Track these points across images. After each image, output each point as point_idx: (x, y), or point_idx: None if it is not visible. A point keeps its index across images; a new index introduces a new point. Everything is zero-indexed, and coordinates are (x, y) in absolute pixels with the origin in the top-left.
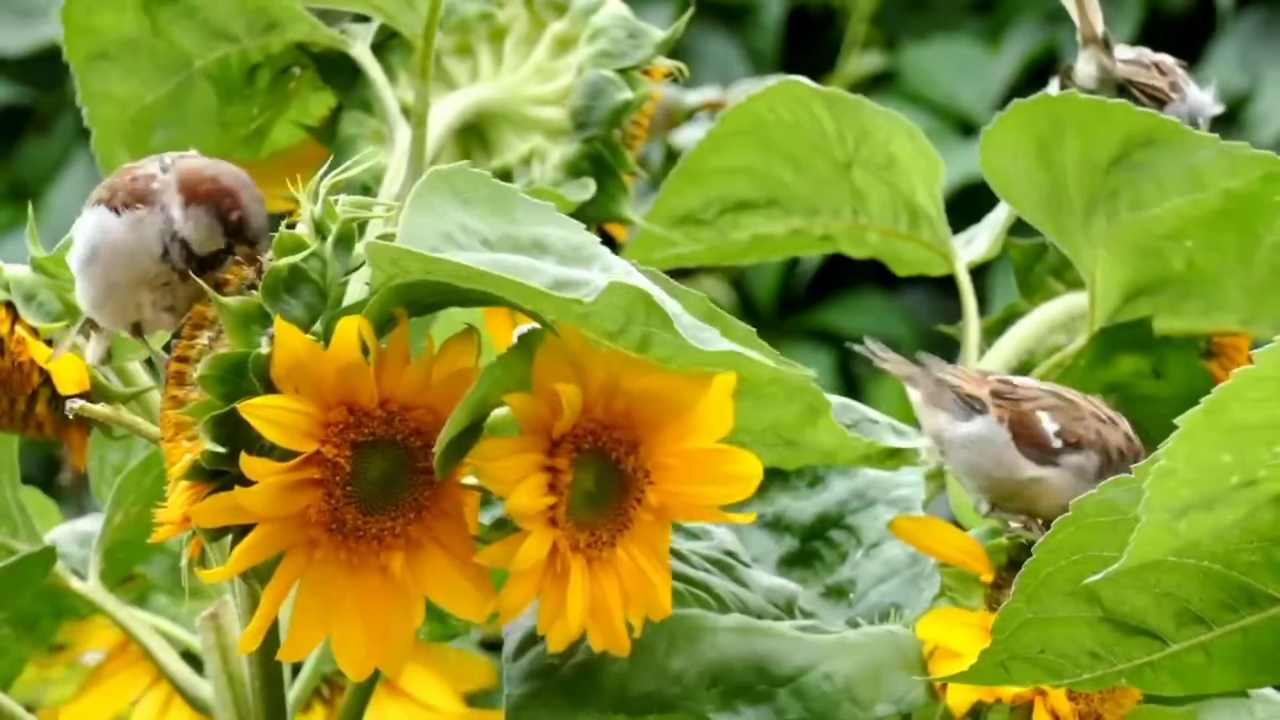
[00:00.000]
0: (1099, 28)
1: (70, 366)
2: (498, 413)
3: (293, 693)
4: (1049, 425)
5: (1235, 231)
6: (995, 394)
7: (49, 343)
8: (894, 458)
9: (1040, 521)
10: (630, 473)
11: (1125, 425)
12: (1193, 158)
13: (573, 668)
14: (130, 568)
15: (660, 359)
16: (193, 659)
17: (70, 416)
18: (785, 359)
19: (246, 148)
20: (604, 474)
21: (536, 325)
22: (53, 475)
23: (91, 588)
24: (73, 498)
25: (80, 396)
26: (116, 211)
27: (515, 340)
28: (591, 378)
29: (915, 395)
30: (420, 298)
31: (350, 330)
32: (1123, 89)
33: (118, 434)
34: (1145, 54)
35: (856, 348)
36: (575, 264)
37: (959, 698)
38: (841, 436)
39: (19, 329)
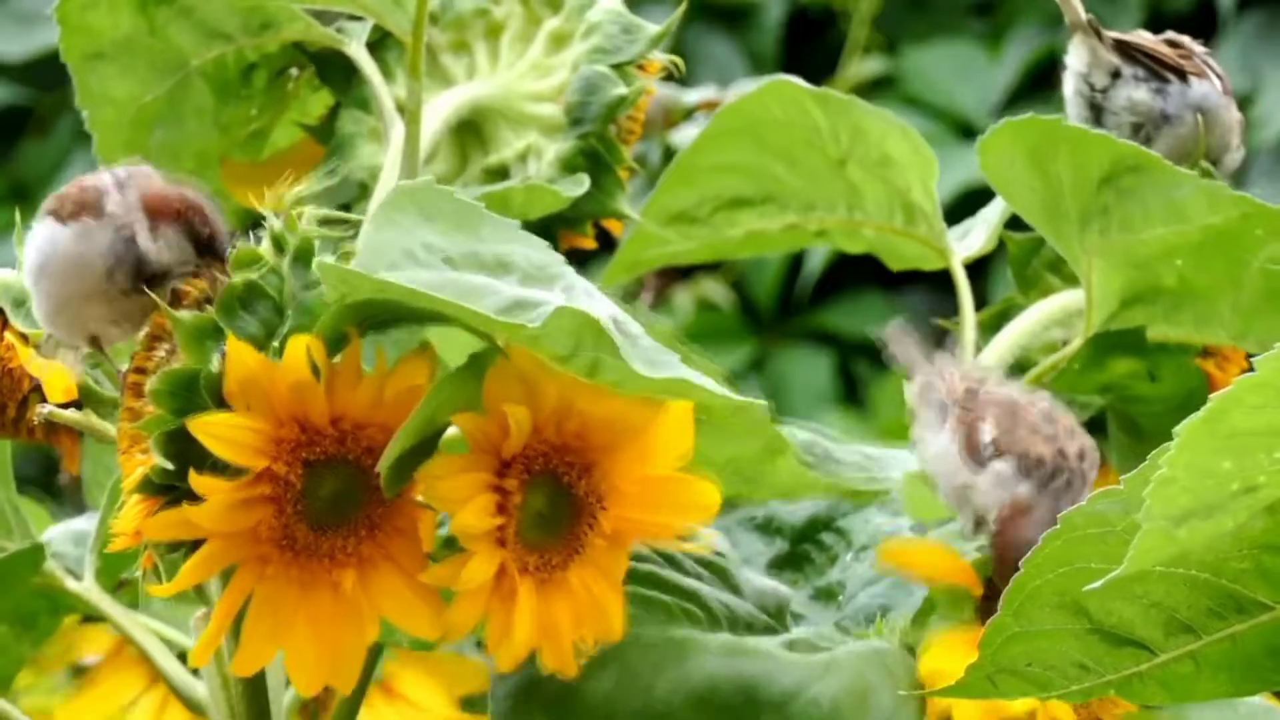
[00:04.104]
0: (1082, 13)
1: (58, 373)
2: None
3: (285, 698)
4: (986, 434)
5: (1222, 256)
6: (964, 395)
7: (39, 349)
8: (859, 496)
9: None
10: (583, 496)
11: (1065, 441)
12: (1173, 193)
13: (559, 686)
14: (126, 568)
15: (609, 384)
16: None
17: (39, 422)
18: (742, 392)
19: (247, 149)
20: (556, 497)
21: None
22: (52, 476)
23: (87, 587)
24: (71, 499)
25: (70, 403)
26: (63, 222)
27: (467, 359)
28: (544, 399)
29: (909, 393)
30: (374, 316)
31: (300, 348)
32: (1116, 73)
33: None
34: (1162, 36)
35: (882, 330)
36: (537, 283)
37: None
38: (802, 475)
39: (8, 335)
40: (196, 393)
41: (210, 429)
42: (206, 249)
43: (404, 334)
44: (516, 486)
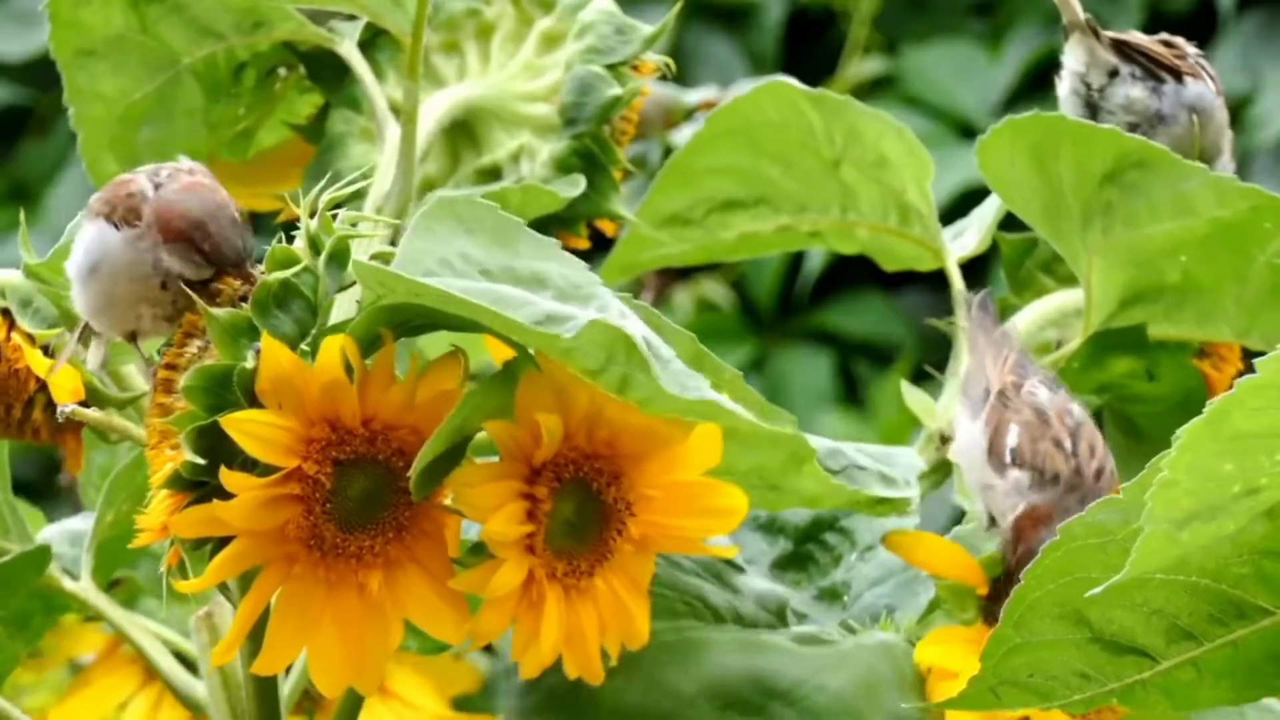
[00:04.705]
0: (1080, 12)
1: (66, 374)
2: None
3: (285, 691)
4: (1010, 440)
5: (1228, 250)
6: (1000, 394)
7: (46, 349)
8: (881, 505)
9: None
10: (612, 503)
11: (1085, 460)
12: (1181, 185)
13: (570, 684)
14: (122, 568)
15: (638, 401)
16: (184, 660)
17: (62, 421)
18: (770, 406)
19: (233, 148)
20: (585, 504)
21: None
22: (51, 476)
23: (84, 587)
24: (70, 499)
25: (78, 404)
26: (116, 227)
27: (500, 366)
28: (575, 407)
29: (964, 367)
30: (408, 319)
31: (335, 348)
32: (1113, 72)
33: (112, 438)
34: (1157, 37)
35: (970, 295)
36: (572, 301)
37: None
38: (826, 484)
39: (14, 335)
40: (229, 390)
41: (242, 426)
42: (212, 260)
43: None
44: (546, 494)
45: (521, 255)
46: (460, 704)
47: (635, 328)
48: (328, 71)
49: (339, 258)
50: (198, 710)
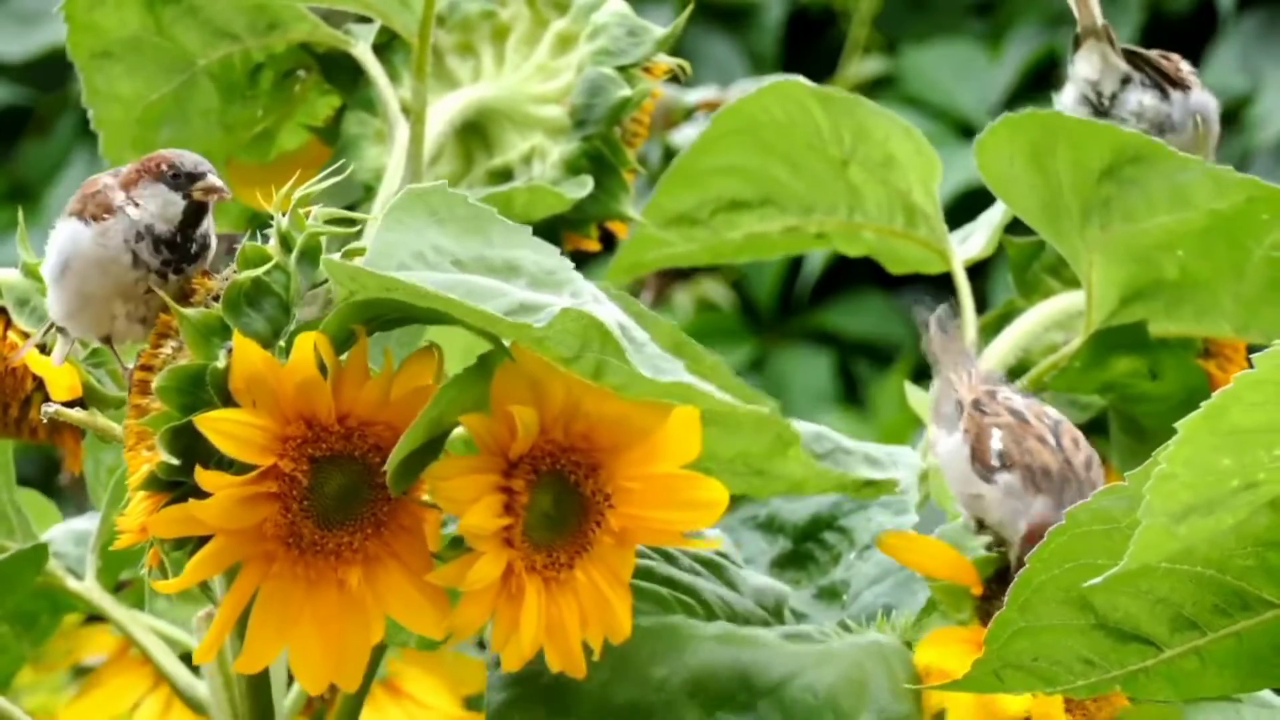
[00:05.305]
0: (1099, 18)
1: (62, 372)
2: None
3: (289, 697)
4: (994, 445)
5: (1225, 243)
6: (975, 403)
7: (42, 348)
8: (868, 488)
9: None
10: (590, 495)
11: (1072, 452)
12: (1178, 178)
13: (555, 676)
14: (127, 567)
15: (614, 387)
16: (191, 661)
17: (45, 421)
18: (751, 390)
19: (254, 150)
20: (563, 496)
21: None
22: (52, 476)
23: (88, 587)
24: (72, 498)
25: (74, 401)
26: (86, 223)
27: (475, 360)
28: (551, 400)
29: (932, 388)
30: (381, 314)
31: (308, 345)
32: (1126, 79)
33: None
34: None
35: (920, 308)
36: (546, 288)
37: (959, 718)
38: (810, 468)
39: (11, 334)
40: (203, 389)
41: (217, 425)
42: (173, 182)
43: (407, 334)
44: (524, 487)
45: (494, 244)
46: (473, 703)
47: (608, 313)
48: (343, 74)
49: (310, 255)
50: (200, 709)
